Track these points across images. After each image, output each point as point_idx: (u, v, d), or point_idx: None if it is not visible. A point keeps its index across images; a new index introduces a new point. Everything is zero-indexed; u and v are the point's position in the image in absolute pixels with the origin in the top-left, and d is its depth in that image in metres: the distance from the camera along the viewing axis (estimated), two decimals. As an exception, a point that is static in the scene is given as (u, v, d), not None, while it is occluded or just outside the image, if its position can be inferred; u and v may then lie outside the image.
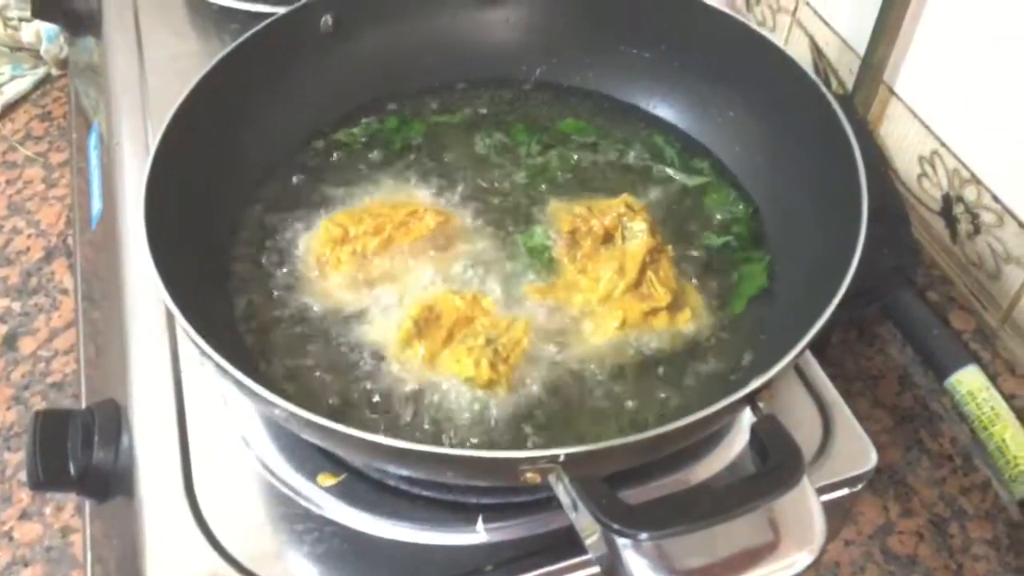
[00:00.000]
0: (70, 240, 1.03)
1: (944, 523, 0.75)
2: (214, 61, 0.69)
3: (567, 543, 0.57)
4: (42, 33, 1.20)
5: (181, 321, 0.54)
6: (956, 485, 0.77)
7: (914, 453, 0.79)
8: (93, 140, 0.95)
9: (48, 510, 0.81)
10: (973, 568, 0.73)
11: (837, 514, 0.68)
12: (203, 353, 0.53)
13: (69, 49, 1.18)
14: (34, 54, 1.24)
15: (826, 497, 0.63)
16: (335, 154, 0.77)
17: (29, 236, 1.05)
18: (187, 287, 0.58)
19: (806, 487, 0.52)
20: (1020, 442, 0.72)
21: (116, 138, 0.87)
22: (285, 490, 0.62)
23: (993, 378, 0.76)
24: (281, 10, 0.74)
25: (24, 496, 0.81)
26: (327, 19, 0.76)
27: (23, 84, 1.21)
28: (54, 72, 1.24)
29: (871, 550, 0.74)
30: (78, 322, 0.91)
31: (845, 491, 0.64)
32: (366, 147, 0.78)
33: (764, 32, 0.73)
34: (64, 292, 0.99)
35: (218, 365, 0.52)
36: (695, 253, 0.70)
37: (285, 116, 0.76)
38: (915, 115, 0.86)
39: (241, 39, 0.71)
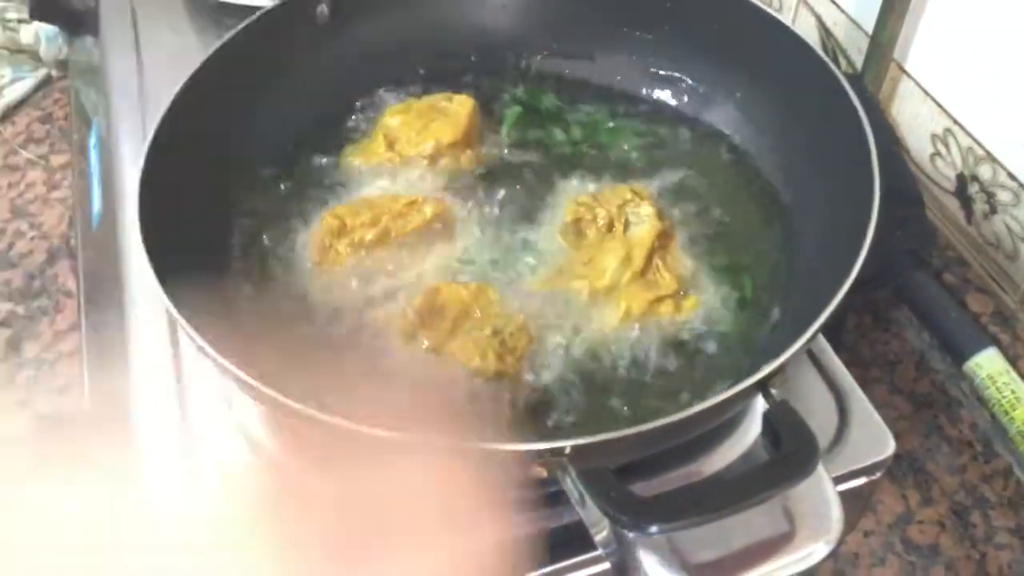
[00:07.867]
0: (73, 242, 1.02)
1: (966, 511, 0.73)
2: (207, 54, 0.68)
3: (578, 538, 0.55)
4: (41, 34, 1.19)
5: (177, 317, 0.53)
6: (977, 472, 0.75)
7: (933, 439, 0.77)
8: (93, 140, 0.94)
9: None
10: (996, 557, 0.71)
11: (855, 504, 0.66)
12: (200, 349, 0.52)
13: (68, 50, 1.17)
14: (33, 56, 1.23)
15: (843, 486, 0.61)
16: (334, 144, 0.76)
17: (32, 239, 1.04)
18: (183, 281, 0.57)
19: (822, 475, 0.50)
20: (1043, 426, 0.70)
21: (115, 137, 0.86)
22: (289, 489, 0.61)
23: (1013, 361, 0.74)
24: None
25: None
26: (323, 8, 0.75)
27: (24, 87, 1.20)
28: (54, 73, 1.23)
29: (891, 540, 0.72)
30: (81, 324, 0.90)
31: (863, 480, 0.62)
32: (365, 136, 0.76)
33: (771, 12, 0.72)
34: (67, 294, 0.98)
35: (216, 361, 0.51)
36: (704, 237, 0.69)
37: (283, 107, 0.74)
38: (927, 93, 0.84)
39: (235, 30, 0.70)
